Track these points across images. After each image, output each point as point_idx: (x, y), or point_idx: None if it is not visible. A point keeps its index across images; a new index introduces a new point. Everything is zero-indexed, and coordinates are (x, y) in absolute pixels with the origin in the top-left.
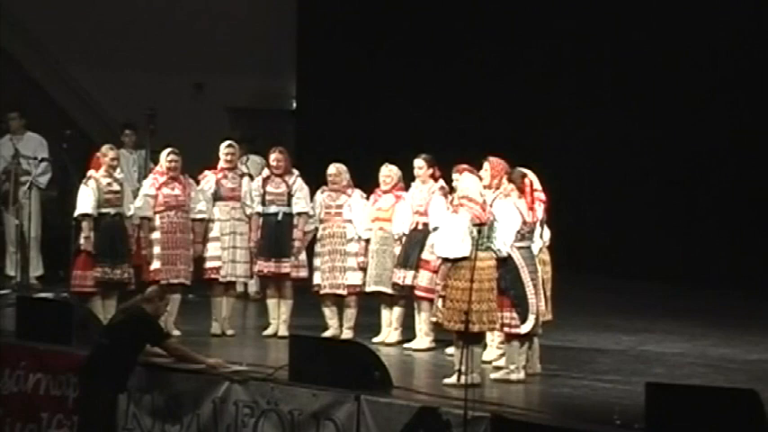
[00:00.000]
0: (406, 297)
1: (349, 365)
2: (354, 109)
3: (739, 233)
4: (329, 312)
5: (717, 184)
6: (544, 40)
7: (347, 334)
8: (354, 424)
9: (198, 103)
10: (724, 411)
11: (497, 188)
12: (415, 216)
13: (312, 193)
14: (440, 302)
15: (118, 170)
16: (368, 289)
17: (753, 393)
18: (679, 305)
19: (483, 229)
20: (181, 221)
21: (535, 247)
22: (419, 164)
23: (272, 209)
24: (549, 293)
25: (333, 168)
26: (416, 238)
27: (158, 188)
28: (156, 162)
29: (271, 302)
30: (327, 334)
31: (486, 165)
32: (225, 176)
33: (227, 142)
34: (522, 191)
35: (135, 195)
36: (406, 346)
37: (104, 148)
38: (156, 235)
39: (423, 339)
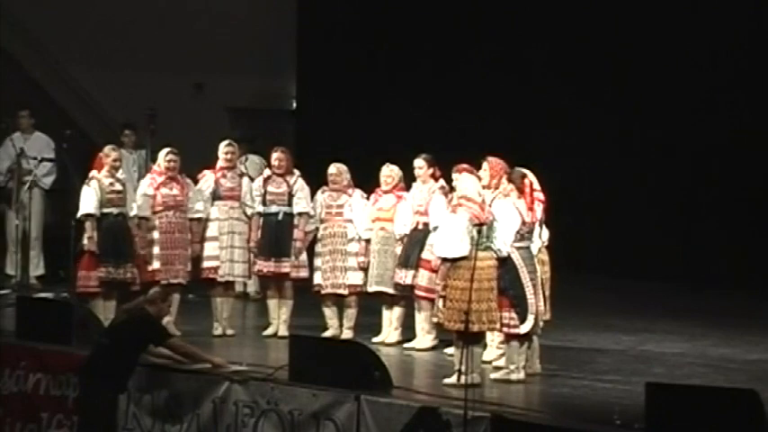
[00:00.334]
0: (406, 297)
1: (349, 365)
2: (354, 109)
3: (739, 233)
4: (329, 312)
5: (717, 184)
6: (544, 41)
7: (347, 334)
8: (354, 424)
9: (198, 103)
10: (724, 411)
11: (497, 188)
12: (415, 216)
13: (312, 193)
14: (440, 302)
15: (120, 170)
16: (369, 289)
17: (753, 393)
18: (679, 305)
19: (482, 229)
20: (179, 221)
21: (534, 247)
22: (419, 164)
23: (273, 209)
24: (547, 293)
25: (333, 168)
26: (417, 238)
27: (156, 188)
28: (156, 162)
29: (271, 302)
30: (327, 334)
31: (485, 165)
32: (224, 176)
33: (227, 141)
34: (521, 191)
35: None
36: (407, 345)
37: (107, 148)
38: (154, 235)
39: (424, 339)
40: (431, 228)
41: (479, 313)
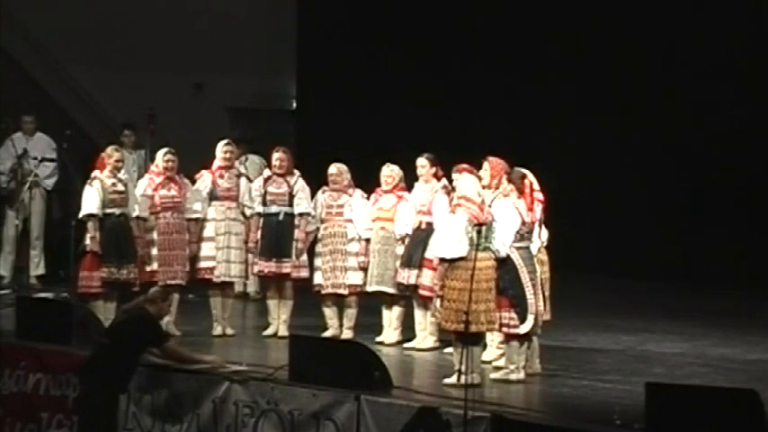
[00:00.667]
0: (406, 297)
1: (349, 365)
2: (354, 109)
3: (739, 233)
4: (329, 312)
5: (717, 184)
6: (544, 41)
7: (347, 334)
8: (354, 424)
9: (198, 103)
10: (724, 411)
11: (497, 188)
12: (418, 215)
13: (313, 193)
14: (437, 302)
15: (122, 171)
16: (369, 288)
17: (753, 393)
18: (679, 305)
19: (482, 230)
20: (177, 222)
21: (533, 247)
22: (422, 163)
23: (274, 209)
24: (547, 293)
25: (334, 168)
26: (419, 238)
27: (155, 189)
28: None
29: (271, 303)
30: (327, 334)
31: (485, 164)
32: (221, 176)
33: (225, 141)
34: (521, 191)
35: None
36: (408, 345)
37: (109, 148)
38: (153, 236)
39: (426, 339)
40: (434, 227)
41: (477, 314)
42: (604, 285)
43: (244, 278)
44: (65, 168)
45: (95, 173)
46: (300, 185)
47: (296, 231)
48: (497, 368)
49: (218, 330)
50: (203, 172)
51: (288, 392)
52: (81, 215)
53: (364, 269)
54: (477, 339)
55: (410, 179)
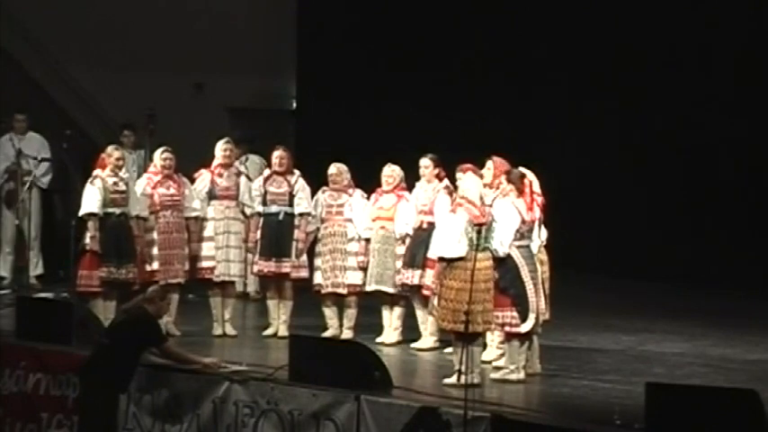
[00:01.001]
0: (406, 297)
1: (349, 365)
2: (354, 109)
3: (739, 233)
4: (329, 312)
5: (717, 184)
6: (545, 41)
7: (347, 334)
8: (354, 424)
9: (198, 103)
10: (724, 411)
11: (497, 188)
12: (419, 215)
13: (313, 193)
14: (435, 301)
15: (123, 170)
16: (368, 288)
17: (753, 393)
18: (679, 305)
19: (481, 230)
20: (176, 221)
21: (534, 246)
22: (425, 163)
23: (274, 208)
24: (547, 293)
25: (334, 168)
26: (421, 238)
27: (154, 188)
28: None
29: (271, 303)
30: (327, 334)
31: (489, 164)
32: (220, 174)
33: (225, 139)
34: (521, 191)
35: None
36: (413, 345)
37: (110, 148)
38: (153, 236)
39: (428, 339)
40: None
41: (474, 314)
42: (604, 285)
43: (243, 277)
44: (65, 168)
45: (97, 172)
46: (301, 185)
47: (296, 231)
48: (497, 368)
49: (218, 330)
50: (202, 171)
51: (288, 392)
52: (81, 213)
53: (364, 269)
54: (475, 339)
55: (411, 179)
